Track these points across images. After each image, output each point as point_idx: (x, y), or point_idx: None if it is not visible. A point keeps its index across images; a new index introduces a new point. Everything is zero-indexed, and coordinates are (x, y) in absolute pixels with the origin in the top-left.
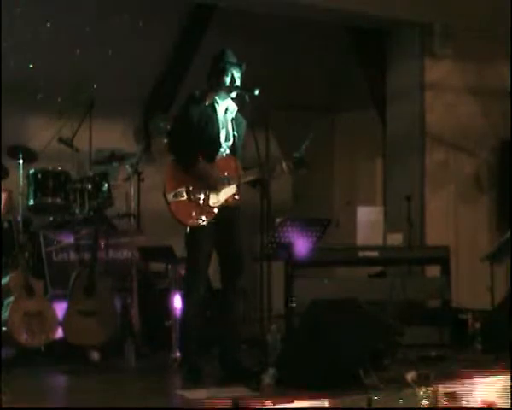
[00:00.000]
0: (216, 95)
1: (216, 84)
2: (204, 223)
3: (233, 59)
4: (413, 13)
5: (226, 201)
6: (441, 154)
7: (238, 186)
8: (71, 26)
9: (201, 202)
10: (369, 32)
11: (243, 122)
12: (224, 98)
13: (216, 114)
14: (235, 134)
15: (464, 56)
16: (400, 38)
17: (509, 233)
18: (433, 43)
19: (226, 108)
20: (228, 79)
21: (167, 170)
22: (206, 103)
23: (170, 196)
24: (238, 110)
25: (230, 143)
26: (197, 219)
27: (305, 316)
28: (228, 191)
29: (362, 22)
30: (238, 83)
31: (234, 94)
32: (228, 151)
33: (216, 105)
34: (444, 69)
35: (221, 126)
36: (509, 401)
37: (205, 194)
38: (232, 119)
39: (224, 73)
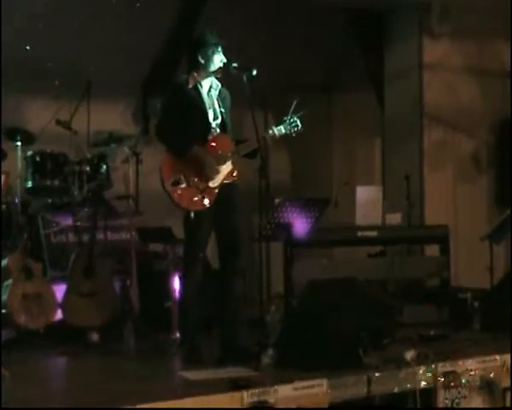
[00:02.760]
0: (202, 77)
1: (204, 68)
2: (207, 206)
3: (214, 39)
4: None
5: (224, 179)
6: (440, 134)
7: (233, 163)
8: (69, 7)
9: (201, 185)
10: (367, 12)
11: (227, 95)
12: (207, 77)
13: (201, 96)
14: (222, 110)
15: (463, 35)
16: (398, 18)
17: (507, 212)
18: (431, 22)
19: (210, 86)
20: (216, 60)
21: (162, 159)
22: (190, 86)
23: (169, 185)
24: (237, 91)
25: (219, 120)
26: (200, 203)
27: (305, 296)
28: (225, 170)
29: (359, 2)
30: (225, 60)
31: (219, 74)
32: (218, 130)
33: (199, 86)
34: (442, 49)
35: (208, 107)
36: (509, 379)
37: (203, 177)
38: (217, 95)
39: (212, 55)
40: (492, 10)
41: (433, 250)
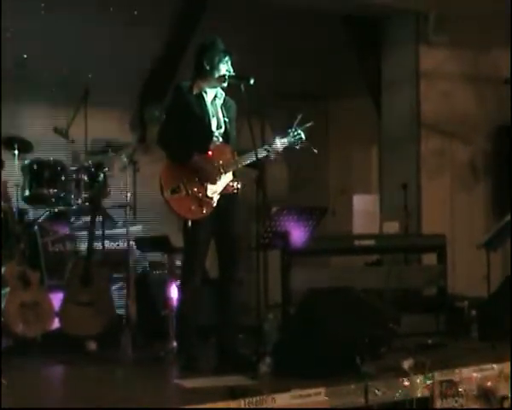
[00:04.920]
0: (206, 84)
1: (208, 74)
2: (204, 215)
3: (223, 47)
4: (408, 0)
5: (224, 189)
6: (437, 141)
7: (234, 173)
8: (66, 15)
9: (199, 194)
10: (364, 20)
11: (233, 105)
12: (213, 86)
13: (205, 104)
14: (226, 120)
15: (459, 44)
16: (395, 26)
17: (504, 220)
18: (427, 30)
19: (214, 95)
20: (222, 68)
21: (162, 167)
22: (194, 93)
23: (167, 193)
24: (233, 98)
25: (222, 130)
26: (197, 212)
27: (302, 305)
28: (225, 180)
29: (357, 10)
30: (231, 71)
31: (226, 83)
32: (221, 139)
33: (204, 94)
34: (439, 57)
35: (211, 115)
36: (508, 388)
37: (202, 186)
38: (221, 104)
39: (218, 62)
40: (489, 18)
41: (430, 259)
